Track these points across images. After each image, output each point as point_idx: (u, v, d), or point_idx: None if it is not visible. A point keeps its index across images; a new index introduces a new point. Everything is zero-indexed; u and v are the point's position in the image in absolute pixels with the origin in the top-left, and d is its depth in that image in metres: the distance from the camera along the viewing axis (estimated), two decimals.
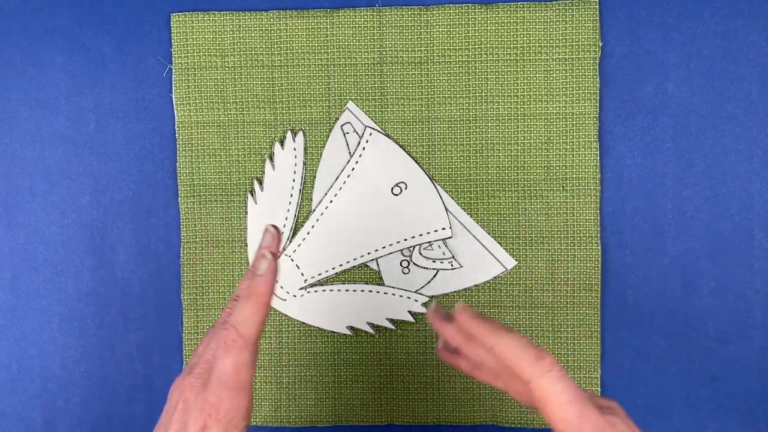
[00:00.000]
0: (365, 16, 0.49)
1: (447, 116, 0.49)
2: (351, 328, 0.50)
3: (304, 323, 0.50)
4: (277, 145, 0.49)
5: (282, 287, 0.50)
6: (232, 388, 0.33)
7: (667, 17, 0.49)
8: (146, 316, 0.51)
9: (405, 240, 0.49)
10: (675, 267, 0.49)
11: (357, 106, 0.50)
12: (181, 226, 0.50)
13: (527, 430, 0.49)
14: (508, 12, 0.49)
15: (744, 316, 0.49)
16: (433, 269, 0.49)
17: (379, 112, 0.49)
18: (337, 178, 0.49)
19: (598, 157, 0.49)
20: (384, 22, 0.49)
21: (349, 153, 0.49)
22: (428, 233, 0.49)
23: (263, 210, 0.50)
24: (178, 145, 0.50)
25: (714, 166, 0.49)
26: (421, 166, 0.49)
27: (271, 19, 0.49)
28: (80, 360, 0.51)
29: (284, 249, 0.50)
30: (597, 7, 0.48)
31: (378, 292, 0.49)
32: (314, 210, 0.50)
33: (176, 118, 0.50)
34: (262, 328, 0.35)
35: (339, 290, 0.50)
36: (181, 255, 0.50)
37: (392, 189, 0.49)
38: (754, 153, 0.49)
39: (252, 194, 0.50)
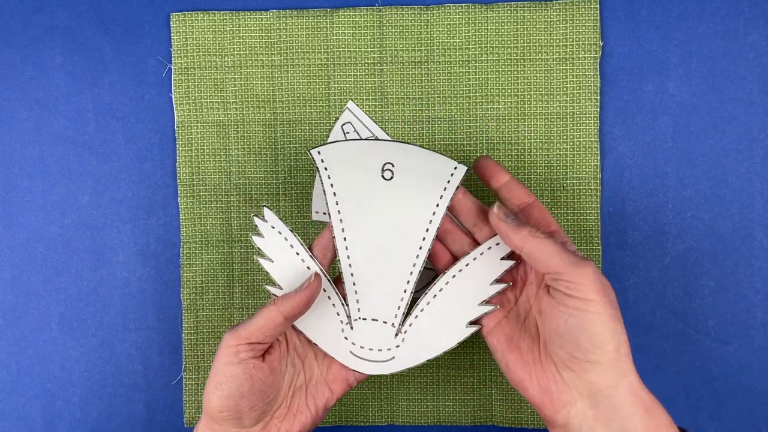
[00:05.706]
0: (365, 16, 0.49)
1: (447, 116, 0.49)
2: (471, 323, 0.42)
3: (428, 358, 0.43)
4: (254, 238, 0.43)
5: (379, 349, 0.43)
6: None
7: (667, 17, 0.49)
8: (146, 316, 0.51)
9: (436, 210, 0.42)
10: (675, 267, 0.49)
11: (357, 105, 0.49)
12: (181, 226, 0.50)
13: (527, 430, 0.49)
14: (508, 12, 0.48)
15: (744, 316, 0.49)
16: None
17: (379, 112, 0.49)
18: (330, 217, 0.43)
19: (599, 157, 0.49)
20: (384, 21, 0.49)
21: None
22: (448, 182, 0.42)
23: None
24: (177, 145, 0.50)
25: (714, 166, 0.49)
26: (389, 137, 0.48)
27: (271, 19, 0.49)
28: (80, 360, 0.51)
29: (348, 317, 0.43)
30: (597, 6, 0.48)
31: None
32: (341, 269, 0.43)
33: (176, 118, 0.50)
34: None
35: (436, 294, 0.43)
36: (181, 255, 0.50)
37: (383, 175, 0.42)
38: (754, 153, 0.49)
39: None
